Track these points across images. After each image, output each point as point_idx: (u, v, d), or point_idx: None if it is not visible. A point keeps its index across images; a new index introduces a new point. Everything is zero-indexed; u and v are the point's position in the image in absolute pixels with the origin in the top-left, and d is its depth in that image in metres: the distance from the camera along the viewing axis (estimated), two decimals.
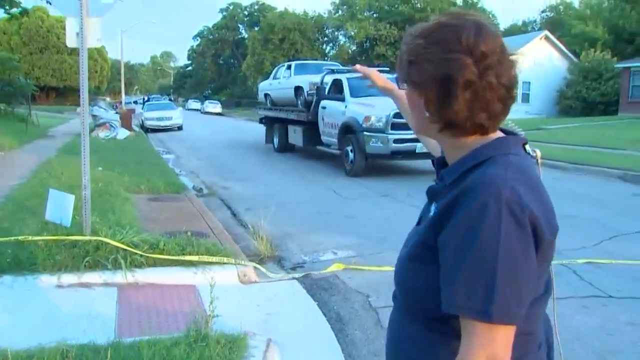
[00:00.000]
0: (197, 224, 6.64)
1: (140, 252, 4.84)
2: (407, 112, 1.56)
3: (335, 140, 12.43)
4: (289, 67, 17.27)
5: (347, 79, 12.56)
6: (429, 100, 1.16)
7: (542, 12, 57.03)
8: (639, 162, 12.18)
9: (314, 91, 13.73)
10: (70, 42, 5.05)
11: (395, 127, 10.57)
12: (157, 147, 18.52)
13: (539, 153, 1.26)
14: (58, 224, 5.44)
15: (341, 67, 15.56)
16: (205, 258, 4.92)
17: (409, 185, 10.00)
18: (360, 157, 11.19)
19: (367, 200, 8.90)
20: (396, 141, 10.64)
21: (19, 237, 4.93)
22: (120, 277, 4.62)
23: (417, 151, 10.40)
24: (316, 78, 14.09)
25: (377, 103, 10.85)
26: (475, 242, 1.05)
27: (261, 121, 18.80)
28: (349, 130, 11.59)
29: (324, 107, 13.09)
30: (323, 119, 13.14)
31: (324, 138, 13.36)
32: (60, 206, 5.58)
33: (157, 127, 27.27)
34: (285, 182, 10.99)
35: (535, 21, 57.00)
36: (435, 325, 1.17)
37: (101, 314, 3.99)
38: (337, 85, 13.03)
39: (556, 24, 47.69)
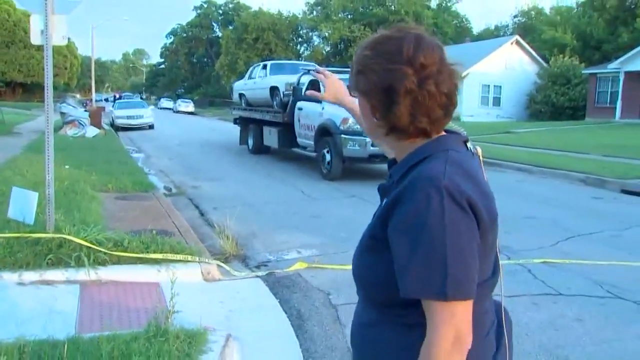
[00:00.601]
0: (163, 222, 6.65)
1: (104, 250, 4.85)
2: (360, 118, 1.68)
3: (311, 142, 12.19)
4: (264, 67, 16.74)
5: None
6: (375, 107, 1.27)
7: (514, 17, 58.03)
8: (601, 167, 12.55)
9: (290, 92, 13.44)
10: (35, 39, 5.04)
11: None
12: (127, 146, 18.35)
13: (479, 150, 1.36)
14: (21, 222, 5.42)
15: (318, 68, 15.18)
16: (169, 256, 4.95)
17: (377, 186, 10.13)
18: (337, 161, 10.95)
19: (335, 201, 9.01)
20: (374, 144, 10.29)
21: None
22: (83, 274, 4.63)
23: None
24: (292, 78, 13.84)
25: None
26: (424, 230, 1.14)
27: (235, 122, 18.45)
28: (325, 133, 11.32)
29: (300, 108, 12.83)
30: (299, 121, 12.88)
31: (299, 140, 13.08)
32: (23, 204, 5.56)
33: (127, 126, 26.97)
34: (255, 183, 11.03)
35: (507, 26, 57.99)
36: (395, 311, 1.26)
37: (62, 310, 4.01)
38: (314, 86, 12.11)
39: (527, 29, 48.66)
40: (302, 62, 20.60)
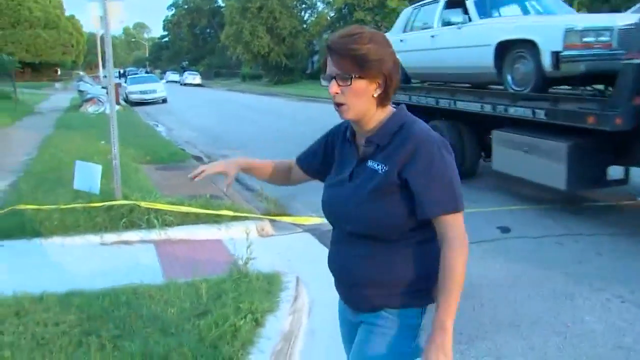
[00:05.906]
0: (209, 188, 7.19)
1: (172, 209, 5.44)
2: (273, 173, 2.08)
3: None
4: (459, 3, 7.56)
5: None
6: (379, 84, 1.62)
7: None
8: None
9: (589, 51, 5.56)
10: (94, 25, 5.54)
11: None
12: (146, 120, 18.87)
13: None
14: (87, 192, 6.00)
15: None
16: (230, 213, 5.54)
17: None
18: None
19: None
20: None
21: (62, 205, 5.49)
22: (155, 234, 5.25)
23: None
24: (574, 19, 6.22)
25: None
26: (440, 169, 1.59)
27: None
28: None
29: None
30: None
31: None
32: (87, 176, 6.11)
33: (141, 101, 27.49)
34: (283, 149, 11.53)
35: None
36: (394, 243, 1.65)
37: (146, 264, 4.63)
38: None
39: None
40: None
